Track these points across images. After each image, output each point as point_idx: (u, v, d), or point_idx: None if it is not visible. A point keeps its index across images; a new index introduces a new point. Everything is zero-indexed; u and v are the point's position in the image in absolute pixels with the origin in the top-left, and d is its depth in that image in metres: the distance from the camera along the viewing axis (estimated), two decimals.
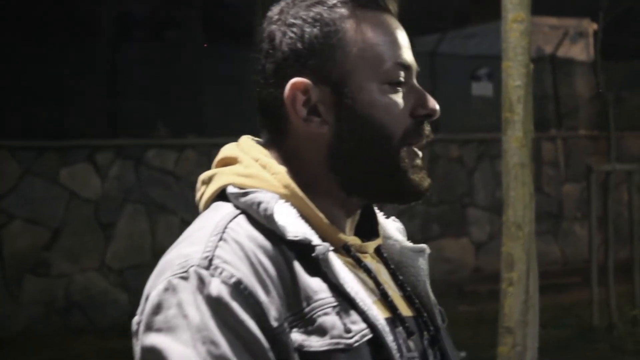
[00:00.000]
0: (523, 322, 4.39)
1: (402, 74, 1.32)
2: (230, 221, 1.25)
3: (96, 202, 10.39)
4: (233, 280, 1.18)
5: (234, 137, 1.40)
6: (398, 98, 1.31)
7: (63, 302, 10.04)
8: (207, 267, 1.19)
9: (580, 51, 15.81)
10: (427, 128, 1.34)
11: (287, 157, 1.32)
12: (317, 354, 1.20)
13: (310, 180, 1.32)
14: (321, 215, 1.29)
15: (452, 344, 1.41)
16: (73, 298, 10.09)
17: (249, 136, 1.39)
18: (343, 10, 1.31)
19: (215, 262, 1.20)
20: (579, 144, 14.00)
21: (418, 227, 12.11)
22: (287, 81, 1.30)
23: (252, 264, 1.20)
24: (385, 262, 1.39)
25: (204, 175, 1.35)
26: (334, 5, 1.32)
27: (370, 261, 1.35)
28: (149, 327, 1.19)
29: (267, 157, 1.32)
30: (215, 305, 1.17)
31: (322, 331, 1.21)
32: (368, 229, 1.40)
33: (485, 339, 7.26)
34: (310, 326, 1.21)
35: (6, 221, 9.91)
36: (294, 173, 1.31)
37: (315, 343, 1.20)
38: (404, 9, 1.41)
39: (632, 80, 14.21)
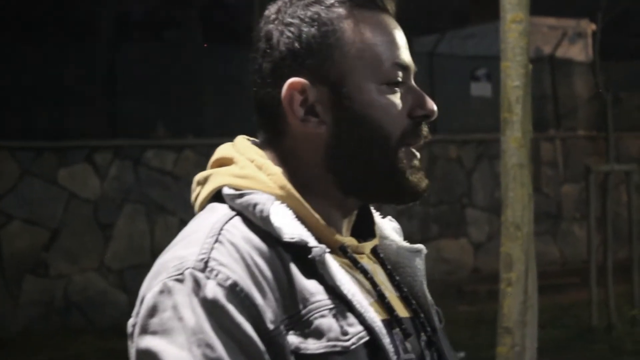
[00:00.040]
0: (522, 323, 4.39)
1: (400, 74, 1.31)
2: (226, 223, 1.24)
3: (95, 202, 10.39)
4: (229, 282, 1.18)
5: (233, 138, 1.39)
6: (396, 98, 1.31)
7: (62, 303, 10.04)
8: (203, 270, 1.18)
9: (578, 52, 15.82)
10: (425, 129, 1.33)
11: (283, 158, 1.32)
12: (313, 356, 1.19)
13: (307, 180, 1.31)
14: (317, 216, 1.28)
15: (449, 345, 1.40)
16: (72, 298, 10.09)
17: (245, 136, 1.38)
18: (341, 10, 1.31)
19: (211, 264, 1.19)
20: (577, 145, 14.00)
21: (417, 227, 12.12)
22: (284, 81, 1.29)
23: (248, 266, 1.19)
24: (382, 263, 1.39)
25: (199, 176, 1.34)
26: (332, 5, 1.31)
27: (367, 262, 1.35)
28: (144, 330, 1.18)
29: (262, 157, 1.31)
30: (211, 307, 1.16)
31: (318, 334, 1.20)
32: (364, 229, 1.39)
33: (484, 339, 7.26)
34: (307, 329, 1.20)
35: (5, 221, 9.91)
36: (291, 173, 1.30)
37: (312, 346, 1.19)
38: (402, 9, 1.40)
39: (631, 80, 14.22)
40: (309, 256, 1.22)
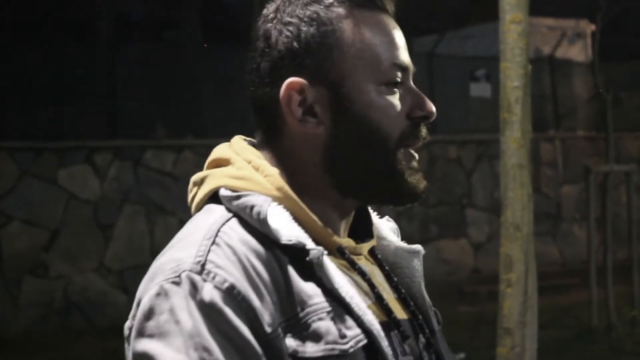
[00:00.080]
0: (522, 323, 4.39)
1: (399, 74, 1.31)
2: (223, 225, 1.23)
3: (95, 203, 10.39)
4: (226, 285, 1.17)
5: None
6: (395, 99, 1.30)
7: (62, 303, 10.04)
8: (200, 272, 1.18)
9: (578, 52, 15.83)
10: (423, 130, 1.32)
11: (281, 158, 1.31)
12: None
13: (305, 181, 1.30)
14: (315, 217, 1.27)
15: (448, 347, 1.40)
16: (72, 299, 10.09)
17: (241, 136, 1.37)
18: (340, 10, 1.30)
19: (208, 266, 1.18)
20: (577, 145, 14.00)
21: (417, 228, 12.11)
22: (282, 81, 1.28)
23: (245, 269, 1.19)
24: (380, 264, 1.38)
25: (196, 177, 1.33)
26: (331, 5, 1.30)
27: (365, 263, 1.34)
28: (141, 333, 1.18)
29: (259, 158, 1.31)
30: (208, 310, 1.15)
31: (316, 337, 1.19)
32: (362, 230, 1.38)
33: (484, 340, 7.26)
34: (305, 331, 1.19)
35: (5, 222, 9.90)
36: (288, 174, 1.30)
37: (310, 349, 1.18)
38: (401, 10, 1.39)
39: (631, 80, 14.23)
40: (307, 258, 1.21)
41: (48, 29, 13.93)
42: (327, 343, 1.19)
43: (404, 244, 1.42)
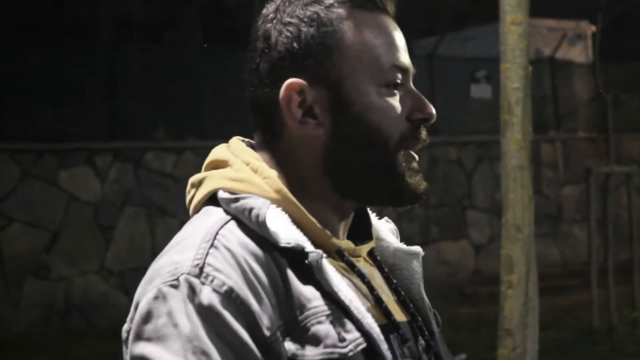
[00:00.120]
0: (523, 325, 4.38)
1: (399, 76, 1.30)
2: (221, 227, 1.22)
3: (95, 204, 10.39)
4: (224, 288, 1.16)
5: None
6: (395, 101, 1.29)
7: (63, 305, 10.04)
8: (198, 275, 1.17)
9: (578, 53, 15.83)
10: (423, 132, 1.32)
11: (279, 160, 1.30)
12: None
13: (304, 183, 1.29)
14: (314, 219, 1.26)
15: (447, 349, 1.39)
16: (73, 301, 10.09)
17: (240, 137, 1.36)
18: (341, 11, 1.29)
19: (207, 270, 1.17)
20: (578, 146, 14.00)
21: (418, 229, 12.11)
22: (282, 81, 1.27)
23: (243, 272, 1.18)
24: (379, 266, 1.37)
25: (194, 178, 1.32)
26: (331, 5, 1.29)
27: (364, 265, 1.33)
28: (139, 336, 1.17)
29: (258, 160, 1.30)
30: (206, 314, 1.14)
31: (316, 340, 1.18)
32: (361, 231, 1.38)
33: (485, 341, 7.25)
34: (304, 335, 1.18)
35: (6, 224, 9.91)
36: (287, 176, 1.29)
37: (309, 352, 1.18)
38: (402, 11, 1.39)
39: (631, 81, 14.22)
40: (306, 261, 1.20)
41: (48, 30, 13.93)
42: (326, 347, 1.18)
43: (403, 246, 1.41)
